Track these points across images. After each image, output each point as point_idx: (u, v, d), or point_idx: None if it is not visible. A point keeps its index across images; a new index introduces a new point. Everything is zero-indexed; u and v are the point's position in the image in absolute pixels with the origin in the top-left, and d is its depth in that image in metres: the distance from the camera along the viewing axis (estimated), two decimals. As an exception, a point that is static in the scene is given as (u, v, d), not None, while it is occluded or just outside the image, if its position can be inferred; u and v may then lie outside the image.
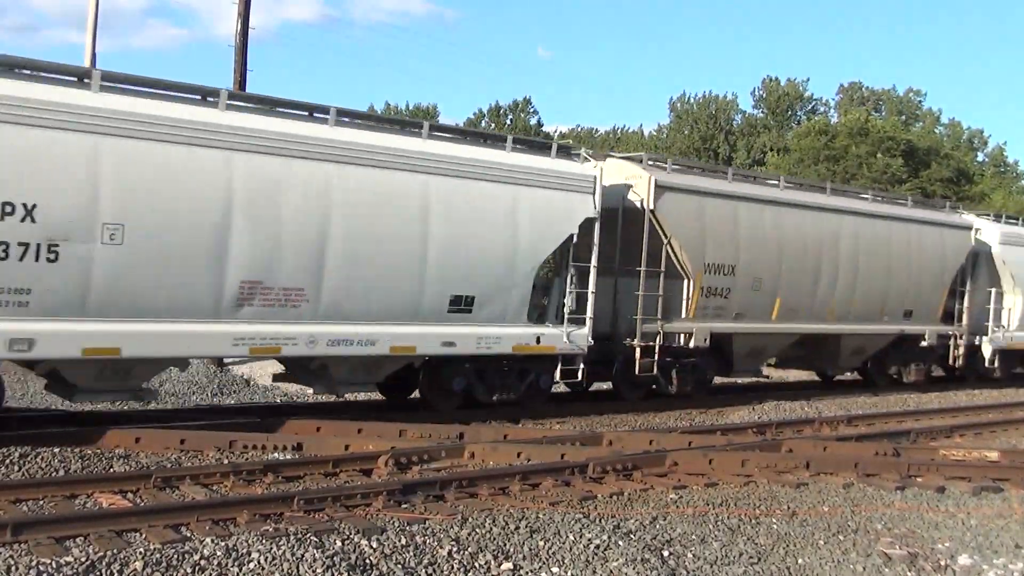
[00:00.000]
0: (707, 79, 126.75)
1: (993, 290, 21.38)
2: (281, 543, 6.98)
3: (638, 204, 14.98)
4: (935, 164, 51.53)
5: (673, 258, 15.27)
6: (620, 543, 7.59)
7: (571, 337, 14.00)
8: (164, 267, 10.46)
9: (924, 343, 20.08)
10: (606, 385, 16.62)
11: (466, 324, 12.93)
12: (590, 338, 14.14)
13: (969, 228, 21.23)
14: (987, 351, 21.41)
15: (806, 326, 17.60)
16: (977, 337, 21.33)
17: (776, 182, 17.62)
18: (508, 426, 13.01)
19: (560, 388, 15.94)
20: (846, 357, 19.06)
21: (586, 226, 14.04)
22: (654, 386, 15.95)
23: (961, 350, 20.87)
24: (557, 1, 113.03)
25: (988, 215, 23.03)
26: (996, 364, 21.55)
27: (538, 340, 13.68)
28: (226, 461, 9.82)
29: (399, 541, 7.28)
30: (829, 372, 20.20)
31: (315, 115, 11.76)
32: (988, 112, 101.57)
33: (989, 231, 21.82)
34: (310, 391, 13.64)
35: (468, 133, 13.25)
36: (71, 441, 10.14)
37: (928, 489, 10.22)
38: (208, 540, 6.96)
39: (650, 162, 15.54)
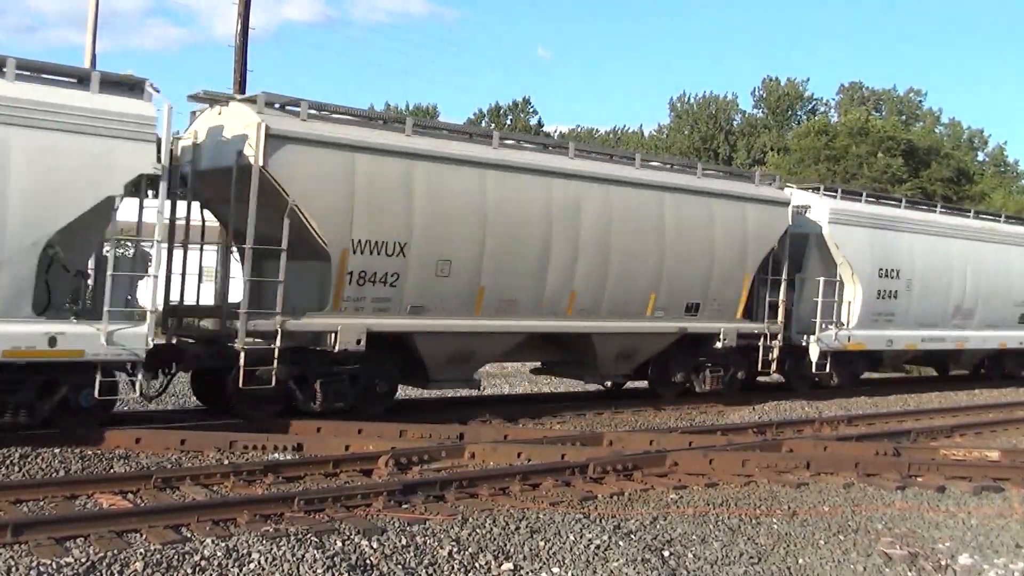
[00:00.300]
0: (707, 79, 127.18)
1: (821, 279, 17.39)
2: (281, 543, 6.98)
3: (251, 160, 11.34)
4: (935, 164, 51.60)
5: (309, 231, 11.69)
6: (621, 543, 7.60)
7: (115, 338, 10.15)
8: None
9: (720, 344, 16.06)
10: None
11: None
12: (151, 339, 10.38)
13: (785, 204, 16.82)
14: (814, 353, 17.30)
15: (532, 323, 13.79)
16: (804, 337, 17.44)
17: (489, 138, 13.47)
18: (508, 426, 13.03)
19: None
20: (609, 362, 15.05)
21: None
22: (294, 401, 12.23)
23: (775, 352, 16.76)
24: (557, 1, 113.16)
25: (818, 188, 18.66)
26: (828, 369, 17.72)
27: (53, 342, 9.91)
28: (226, 461, 9.82)
29: (399, 541, 7.29)
30: (586, 380, 16.03)
31: None
32: (988, 112, 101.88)
33: (818, 208, 17.78)
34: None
35: None
36: (71, 442, 10.13)
37: (929, 489, 10.22)
38: (208, 541, 6.96)
39: (274, 104, 11.71)
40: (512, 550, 7.33)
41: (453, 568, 6.87)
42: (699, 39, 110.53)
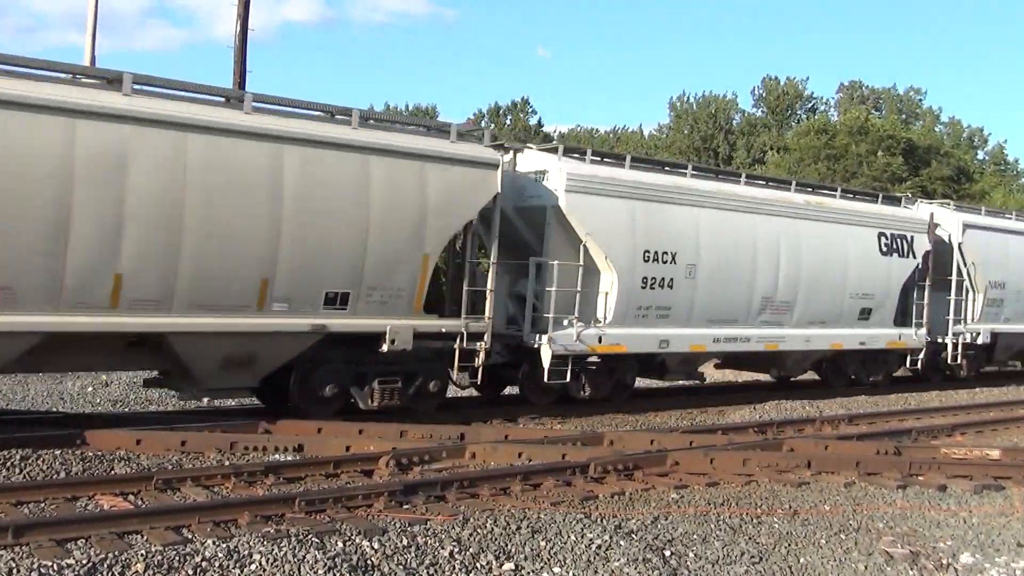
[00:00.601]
0: (707, 79, 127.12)
1: (556, 263, 13.66)
2: (282, 544, 6.98)
3: None
4: (935, 162, 51.61)
5: None
6: (622, 543, 7.60)
7: None
8: None
9: (386, 347, 12.32)
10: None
11: None
12: None
13: (492, 165, 12.95)
14: (546, 357, 13.54)
15: (45, 319, 10.00)
16: (536, 337, 13.73)
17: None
18: (509, 426, 13.02)
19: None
20: (212, 372, 11.32)
21: None
22: None
23: (481, 357, 13.14)
24: (557, 1, 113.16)
25: (555, 149, 14.32)
26: (576, 377, 14.19)
27: None
28: (227, 462, 9.82)
29: (400, 542, 7.29)
30: (182, 393, 12.07)
31: None
32: (988, 111, 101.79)
33: (555, 173, 13.71)
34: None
35: None
36: (72, 443, 10.14)
37: (930, 488, 10.22)
38: (209, 542, 6.96)
39: None
40: (513, 550, 7.33)
41: (454, 568, 6.87)
42: (699, 39, 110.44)
